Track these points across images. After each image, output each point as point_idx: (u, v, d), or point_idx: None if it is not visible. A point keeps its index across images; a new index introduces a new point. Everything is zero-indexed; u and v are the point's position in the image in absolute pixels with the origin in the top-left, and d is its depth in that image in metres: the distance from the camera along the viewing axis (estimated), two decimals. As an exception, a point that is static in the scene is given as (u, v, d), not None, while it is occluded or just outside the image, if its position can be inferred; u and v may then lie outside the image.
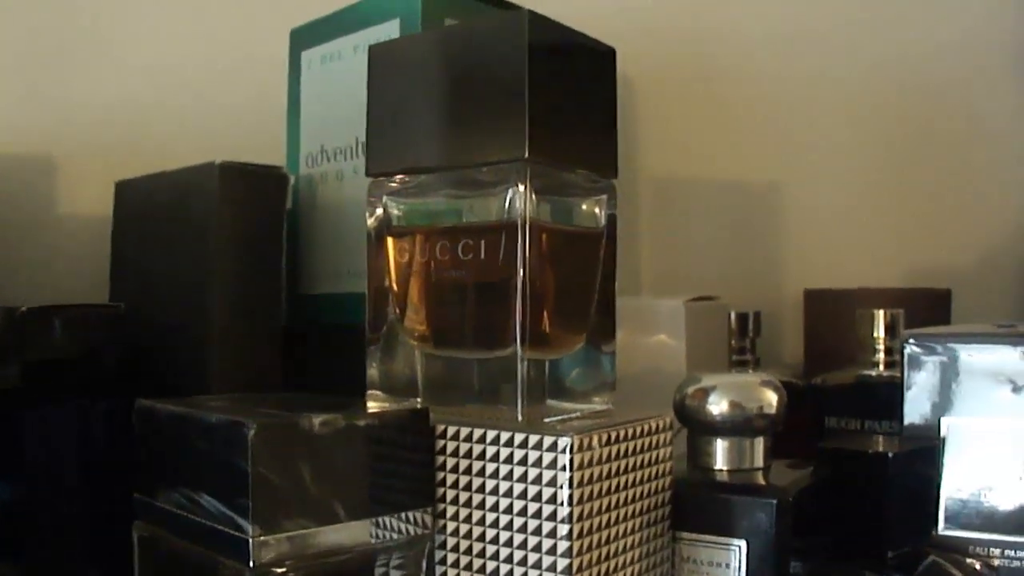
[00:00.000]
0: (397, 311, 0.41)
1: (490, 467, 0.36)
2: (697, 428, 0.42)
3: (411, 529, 0.37)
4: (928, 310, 0.64)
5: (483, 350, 0.39)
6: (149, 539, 0.39)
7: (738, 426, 0.41)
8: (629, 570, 0.37)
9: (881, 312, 0.58)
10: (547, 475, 0.35)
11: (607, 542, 0.36)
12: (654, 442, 0.39)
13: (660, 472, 0.39)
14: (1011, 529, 0.40)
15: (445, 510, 0.37)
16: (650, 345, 0.57)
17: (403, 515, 0.36)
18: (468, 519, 0.37)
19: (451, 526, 0.37)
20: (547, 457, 0.35)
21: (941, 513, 0.41)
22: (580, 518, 0.35)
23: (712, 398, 0.41)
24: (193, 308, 0.47)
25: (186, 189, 0.49)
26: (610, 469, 0.36)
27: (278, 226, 0.50)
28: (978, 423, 0.42)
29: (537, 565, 0.35)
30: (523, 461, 0.35)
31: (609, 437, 0.36)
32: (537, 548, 0.35)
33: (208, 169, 0.47)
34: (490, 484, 0.36)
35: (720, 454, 0.42)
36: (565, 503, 0.34)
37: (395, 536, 0.36)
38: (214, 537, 0.34)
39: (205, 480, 0.35)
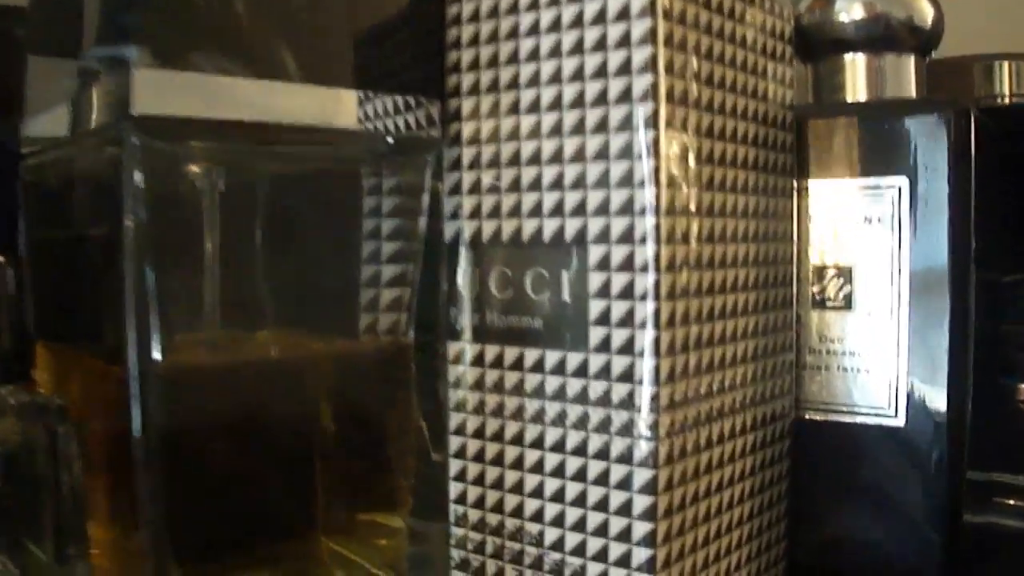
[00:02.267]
0: None
1: (526, 41, 0.24)
2: (823, 49, 0.29)
3: (412, 120, 0.24)
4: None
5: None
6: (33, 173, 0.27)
7: (878, 39, 0.28)
8: (742, 200, 0.25)
9: (1005, 63, 0.45)
10: (615, 31, 0.22)
11: (709, 133, 0.23)
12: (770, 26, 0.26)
13: (778, 73, 0.27)
14: None
15: (460, 108, 0.25)
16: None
17: (399, 100, 0.24)
18: (494, 111, 0.24)
19: (469, 128, 0.25)
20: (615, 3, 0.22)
21: None
22: (668, 99, 0.22)
23: (841, 3, 0.29)
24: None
25: None
26: (709, 47, 0.23)
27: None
28: None
29: (602, 154, 0.22)
30: (576, 21, 0.23)
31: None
32: (602, 127, 0.22)
33: None
34: (527, 69, 0.24)
35: (855, 78, 0.29)
36: (645, 66, 0.22)
37: (385, 128, 0.24)
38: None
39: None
